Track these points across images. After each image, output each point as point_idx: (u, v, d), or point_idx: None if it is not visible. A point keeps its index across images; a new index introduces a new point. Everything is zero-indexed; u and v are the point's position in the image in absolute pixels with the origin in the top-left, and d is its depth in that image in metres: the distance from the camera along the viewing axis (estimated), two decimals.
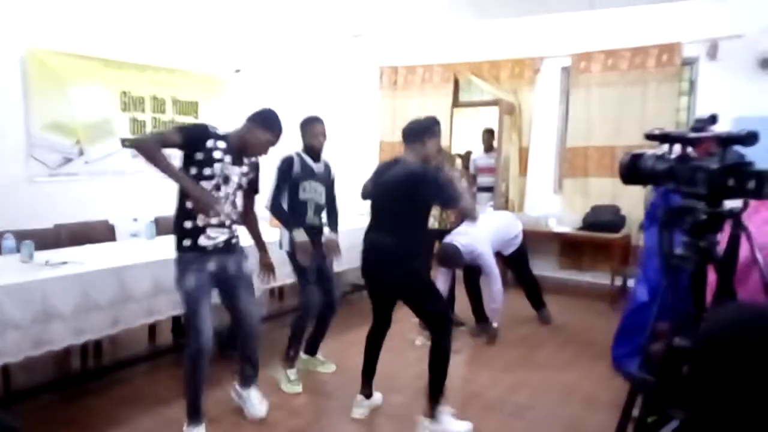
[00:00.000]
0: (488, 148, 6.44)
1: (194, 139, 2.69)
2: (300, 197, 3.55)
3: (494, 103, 6.54)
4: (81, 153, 4.74)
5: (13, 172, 4.34)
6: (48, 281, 2.93)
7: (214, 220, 2.77)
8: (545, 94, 6.30)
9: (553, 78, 6.26)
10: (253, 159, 2.95)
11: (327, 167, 3.72)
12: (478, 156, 6.55)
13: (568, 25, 6.07)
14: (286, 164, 3.53)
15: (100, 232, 4.24)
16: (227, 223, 2.85)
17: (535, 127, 6.36)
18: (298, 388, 3.53)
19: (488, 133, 6.50)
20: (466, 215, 3.24)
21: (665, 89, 5.57)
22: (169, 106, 5.34)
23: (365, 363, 3.21)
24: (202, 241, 2.77)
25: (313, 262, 3.55)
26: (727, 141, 1.54)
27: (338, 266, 3.95)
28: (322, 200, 3.68)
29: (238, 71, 5.90)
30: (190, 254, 2.76)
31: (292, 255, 3.57)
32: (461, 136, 7.65)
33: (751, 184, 1.48)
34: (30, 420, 2.98)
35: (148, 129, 5.18)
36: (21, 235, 3.48)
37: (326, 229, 3.70)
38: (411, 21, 6.65)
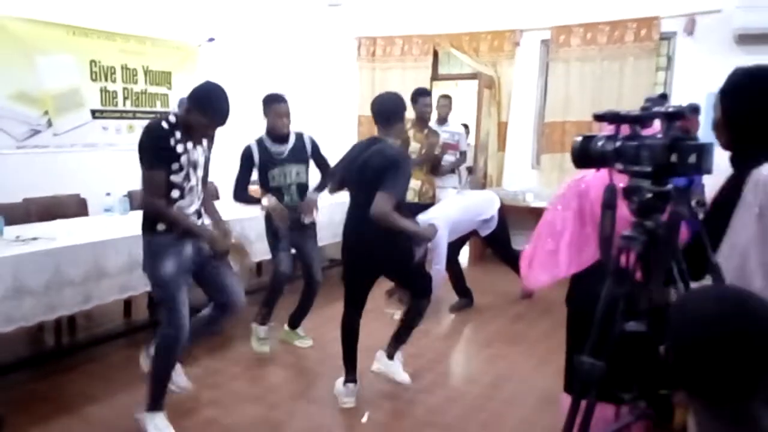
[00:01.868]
0: (443, 118, 5.16)
1: (162, 151, 2.53)
2: (271, 185, 3.52)
3: (474, 76, 6.50)
4: (49, 124, 4.59)
5: None
6: (19, 257, 2.86)
7: (190, 210, 2.67)
8: (524, 67, 6.27)
9: (533, 51, 6.23)
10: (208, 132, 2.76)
11: (300, 141, 3.60)
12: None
13: None
14: (245, 154, 3.52)
15: (72, 207, 4.14)
16: (198, 210, 2.75)
17: (513, 101, 6.34)
18: (266, 349, 3.59)
19: (445, 99, 5.21)
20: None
21: (643, 64, 5.59)
22: (141, 77, 5.18)
23: (345, 351, 3.11)
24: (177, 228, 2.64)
25: (289, 232, 3.54)
26: (671, 116, 1.53)
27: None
28: (305, 179, 3.61)
29: (211, 40, 5.73)
30: (165, 237, 2.61)
31: (267, 227, 3.60)
32: None
33: (692, 158, 1.47)
34: (4, 397, 2.93)
35: (120, 100, 5.03)
36: None
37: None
38: None
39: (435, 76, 6.87)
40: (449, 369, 3.68)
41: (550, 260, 2.28)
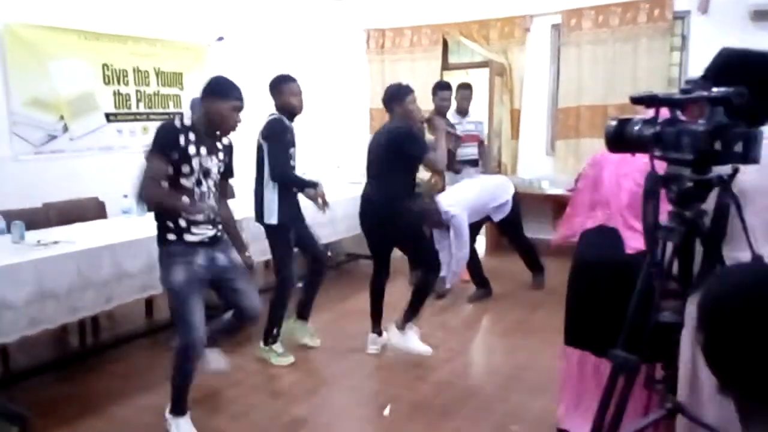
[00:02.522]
0: (464, 110, 5.12)
1: (168, 146, 2.52)
2: (292, 165, 3.45)
3: (484, 64, 6.44)
4: (65, 129, 4.64)
5: None
6: (41, 261, 2.91)
7: (198, 217, 2.63)
8: (536, 53, 6.20)
9: (544, 37, 6.16)
10: (225, 142, 2.78)
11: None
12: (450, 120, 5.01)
13: None
14: (281, 125, 3.34)
15: (91, 210, 4.19)
16: (211, 218, 2.70)
17: (526, 88, 6.27)
18: (290, 359, 3.49)
19: (465, 89, 5.13)
20: (429, 166, 3.61)
21: (657, 45, 5.50)
22: (152, 78, 5.21)
23: (372, 307, 3.59)
24: (188, 237, 2.63)
25: (292, 232, 3.47)
26: (715, 101, 1.43)
27: (333, 235, 3.92)
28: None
29: (221, 39, 5.75)
30: (176, 247, 2.61)
31: (276, 228, 3.44)
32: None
33: (738, 147, 1.39)
34: (31, 399, 2.99)
35: (133, 102, 5.07)
36: (9, 216, 3.43)
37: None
38: None
39: (445, 66, 6.82)
40: (469, 360, 3.67)
41: (568, 221, 2.49)
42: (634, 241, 2.09)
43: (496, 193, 4.66)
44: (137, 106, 5.11)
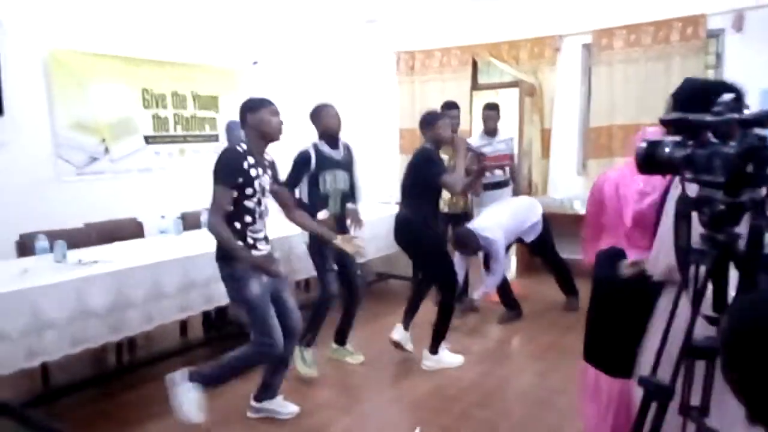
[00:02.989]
0: (491, 130, 5.14)
1: (236, 173, 2.71)
2: (321, 190, 3.52)
3: (514, 84, 6.45)
4: (106, 151, 4.81)
5: (41, 172, 4.42)
6: (82, 280, 3.00)
7: (260, 234, 2.85)
8: (566, 73, 6.18)
9: (574, 56, 6.14)
10: (269, 158, 2.95)
11: (348, 150, 3.70)
12: (475, 140, 5.12)
13: (587, 0, 5.93)
14: (303, 158, 3.51)
15: (129, 230, 4.31)
16: (266, 233, 2.93)
17: (556, 107, 6.25)
18: (314, 371, 3.54)
19: (491, 110, 5.15)
20: (446, 187, 3.65)
21: (691, 63, 5.43)
22: (189, 102, 5.37)
23: (408, 303, 3.89)
24: (255, 253, 2.82)
25: (333, 251, 3.51)
26: (747, 124, 1.41)
27: (363, 257, 3.95)
28: (348, 187, 3.66)
29: (255, 63, 5.90)
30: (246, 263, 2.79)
31: (310, 247, 3.58)
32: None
33: None
34: (69, 416, 3.07)
35: (170, 125, 5.22)
36: (53, 235, 3.55)
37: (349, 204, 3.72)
38: (425, 4, 6.57)
39: (475, 86, 6.85)
40: (499, 382, 3.63)
41: (585, 246, 2.59)
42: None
43: (527, 215, 4.66)
44: (175, 129, 5.26)
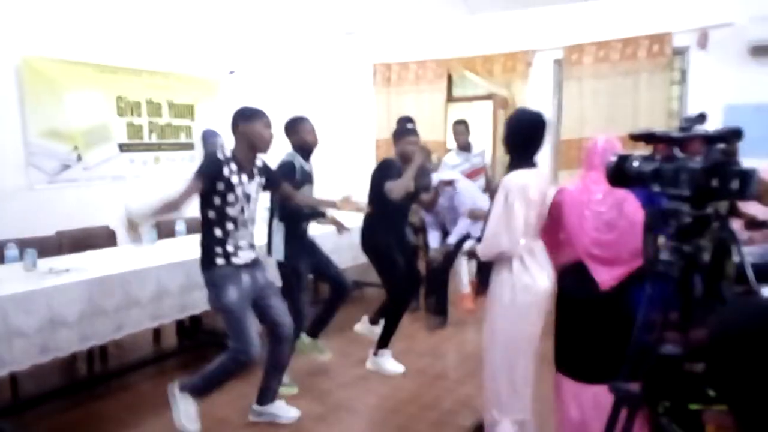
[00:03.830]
0: (465, 145, 5.32)
1: (213, 176, 2.73)
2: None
3: (488, 97, 6.57)
4: (79, 159, 4.75)
5: (12, 180, 4.35)
6: (52, 289, 2.96)
7: (242, 242, 2.84)
8: (538, 87, 6.32)
9: (546, 71, 6.29)
10: (259, 163, 2.95)
11: (310, 165, 3.66)
12: (452, 158, 5.33)
13: (559, 17, 6.10)
14: (289, 168, 3.42)
15: (102, 238, 4.27)
16: (251, 241, 2.93)
17: None
18: (294, 390, 3.51)
19: (459, 125, 5.32)
20: (387, 193, 3.63)
21: (657, 79, 5.61)
22: (165, 110, 5.35)
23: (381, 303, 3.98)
24: (235, 260, 2.83)
25: (302, 267, 3.52)
26: (712, 140, 1.49)
27: (339, 264, 3.96)
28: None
29: (232, 73, 5.91)
30: (225, 269, 2.79)
31: (284, 264, 3.50)
32: None
33: (735, 184, 1.42)
34: (40, 426, 3.02)
35: (145, 133, 5.20)
36: (23, 243, 3.51)
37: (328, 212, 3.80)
38: (403, 17, 6.67)
39: (449, 98, 6.95)
40: (474, 389, 3.67)
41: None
42: (604, 274, 2.27)
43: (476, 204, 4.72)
44: (150, 137, 5.24)
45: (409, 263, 3.96)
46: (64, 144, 4.66)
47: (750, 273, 1.55)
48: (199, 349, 3.89)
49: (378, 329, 3.95)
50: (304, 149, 3.56)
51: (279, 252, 3.51)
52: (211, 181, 2.71)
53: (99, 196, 4.82)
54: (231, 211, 2.77)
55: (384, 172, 3.68)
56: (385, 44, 7.11)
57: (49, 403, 3.37)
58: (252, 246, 2.94)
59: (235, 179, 2.76)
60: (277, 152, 3.64)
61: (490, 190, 5.45)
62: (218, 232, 2.78)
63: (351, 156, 7.05)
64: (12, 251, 3.51)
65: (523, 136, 2.62)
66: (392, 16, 6.61)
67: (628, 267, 2.21)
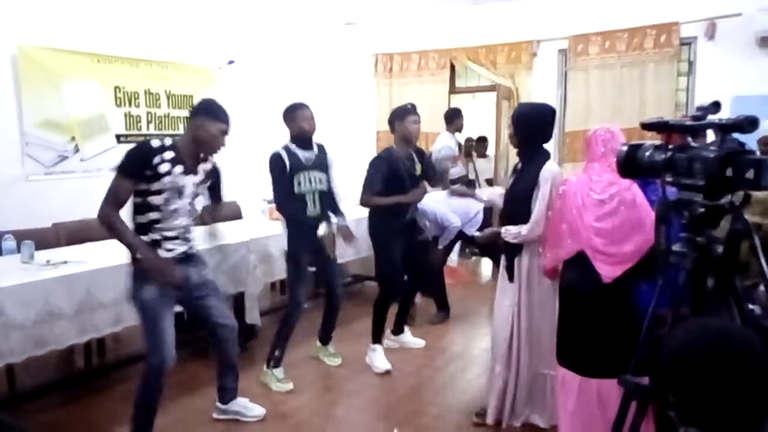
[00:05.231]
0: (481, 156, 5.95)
1: (138, 166, 2.51)
2: (296, 192, 3.44)
3: (492, 88, 6.49)
4: (76, 150, 4.70)
5: (8, 171, 4.30)
6: (50, 281, 2.91)
7: (170, 233, 2.62)
8: (543, 78, 6.25)
9: (551, 61, 6.21)
10: (209, 165, 2.76)
11: (322, 151, 3.58)
12: (448, 139, 5.35)
13: (564, 6, 6.01)
14: (279, 165, 3.39)
15: (99, 231, 4.16)
16: (185, 234, 2.70)
17: None
18: (289, 386, 3.46)
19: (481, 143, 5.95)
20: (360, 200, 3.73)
21: (664, 70, 5.53)
22: (163, 100, 5.28)
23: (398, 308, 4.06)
24: (162, 253, 2.61)
25: (304, 258, 3.47)
26: (726, 128, 1.44)
27: (340, 257, 3.91)
28: (326, 187, 3.57)
29: (231, 62, 5.83)
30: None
31: (287, 254, 3.49)
32: None
33: (750, 174, 1.38)
34: (36, 420, 2.98)
35: (143, 124, 5.13)
36: (20, 236, 3.45)
37: (333, 218, 3.58)
38: (405, 7, 6.58)
39: (453, 90, 6.88)
40: (474, 383, 3.62)
41: (548, 250, 2.60)
42: (607, 266, 2.18)
43: (466, 206, 4.62)
44: (147, 128, 5.17)
45: (414, 258, 3.85)
46: (61, 135, 4.61)
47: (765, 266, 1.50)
48: (198, 341, 3.84)
49: (406, 336, 4.10)
50: (300, 137, 3.48)
51: (283, 242, 3.50)
52: (137, 173, 2.50)
53: (97, 188, 4.69)
54: (155, 199, 2.54)
55: (371, 164, 3.66)
56: (387, 34, 7.03)
57: (46, 396, 3.32)
58: (186, 240, 2.71)
59: (164, 168, 2.52)
60: (276, 143, 3.58)
61: (490, 184, 5.43)
62: (141, 219, 2.58)
63: (352, 147, 6.97)
64: (9, 243, 3.45)
65: (533, 127, 2.67)
66: (393, 6, 6.53)
67: (631, 259, 2.16)
